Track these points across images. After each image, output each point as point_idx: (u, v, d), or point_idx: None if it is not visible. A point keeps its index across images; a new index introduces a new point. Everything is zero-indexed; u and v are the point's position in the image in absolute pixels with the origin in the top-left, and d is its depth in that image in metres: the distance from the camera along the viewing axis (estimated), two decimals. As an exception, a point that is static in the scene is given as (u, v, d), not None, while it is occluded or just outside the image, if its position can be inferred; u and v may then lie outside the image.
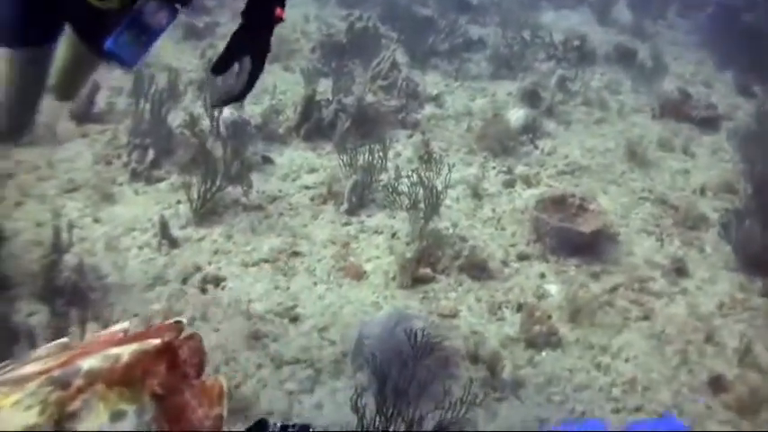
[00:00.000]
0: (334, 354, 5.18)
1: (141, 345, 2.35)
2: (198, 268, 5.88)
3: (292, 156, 7.71)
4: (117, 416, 2.15)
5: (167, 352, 2.35)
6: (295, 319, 5.48)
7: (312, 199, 6.96)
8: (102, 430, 2.09)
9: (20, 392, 2.02)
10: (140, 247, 6.08)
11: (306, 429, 2.66)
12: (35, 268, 5.49)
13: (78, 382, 2.15)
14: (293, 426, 2.60)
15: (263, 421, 2.55)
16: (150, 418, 2.22)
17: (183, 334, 2.44)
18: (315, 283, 5.88)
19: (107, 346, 2.33)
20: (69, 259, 5.58)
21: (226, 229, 6.40)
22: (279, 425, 2.57)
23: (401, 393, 4.30)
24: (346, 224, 6.64)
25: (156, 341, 2.33)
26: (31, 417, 1.94)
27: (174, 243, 6.14)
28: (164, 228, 6.14)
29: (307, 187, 7.15)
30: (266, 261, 6.06)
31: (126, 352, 2.29)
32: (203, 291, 5.69)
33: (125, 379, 2.26)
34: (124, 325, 2.56)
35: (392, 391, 4.31)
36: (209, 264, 5.98)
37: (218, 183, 6.57)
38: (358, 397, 4.26)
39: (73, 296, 5.33)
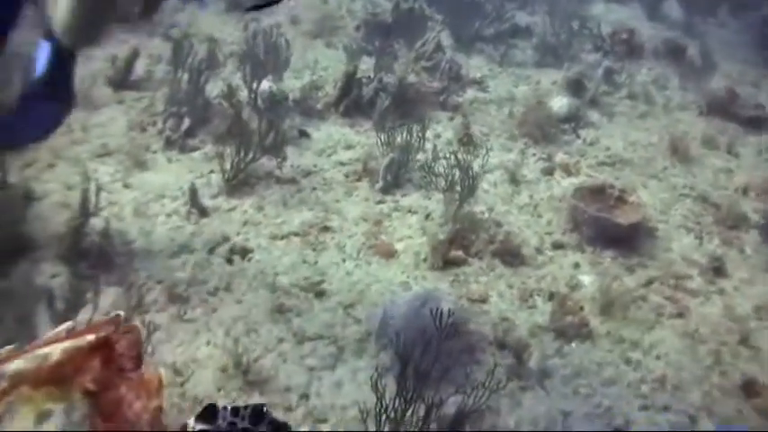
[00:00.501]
0: (358, 332, 5.09)
1: (74, 342, 2.34)
2: (226, 238, 5.82)
3: (330, 131, 7.65)
4: (44, 416, 2.12)
5: (102, 347, 2.43)
6: (321, 295, 5.40)
7: (347, 175, 6.89)
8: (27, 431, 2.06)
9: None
10: (169, 215, 6.03)
11: (258, 410, 2.60)
12: (62, 230, 5.45)
13: (2, 384, 2.12)
14: (245, 407, 2.54)
15: (212, 406, 2.50)
16: (81, 416, 2.19)
17: (123, 327, 2.42)
18: (343, 260, 5.80)
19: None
20: (97, 223, 5.54)
21: (257, 201, 6.33)
22: (230, 407, 2.51)
23: (423, 375, 4.21)
24: (380, 202, 6.56)
25: (91, 337, 2.39)
26: (-51, 423, 1.93)
27: (203, 212, 6.08)
28: (194, 196, 6.08)
29: (342, 163, 7.07)
30: (296, 235, 5.99)
31: (57, 350, 2.28)
32: (230, 261, 5.63)
33: (54, 378, 2.25)
34: (68, 324, 2.51)
35: (414, 372, 4.21)
36: (238, 234, 5.92)
37: (252, 154, 6.50)
38: (379, 377, 4.15)
39: (98, 260, 5.31)
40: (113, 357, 2.43)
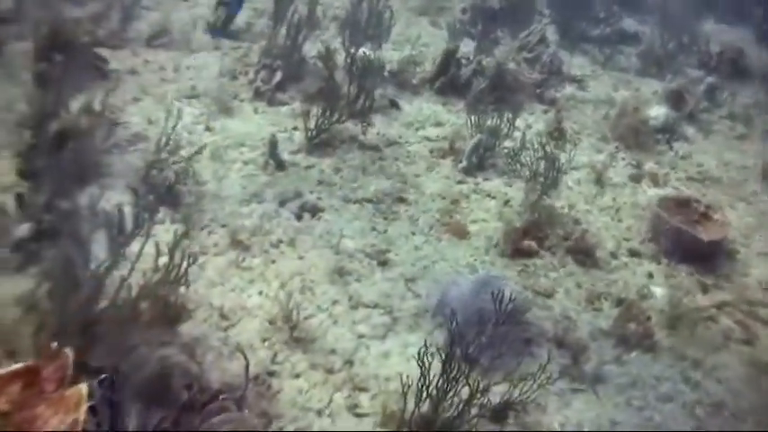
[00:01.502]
0: (416, 307, 5.01)
1: None
2: (298, 194, 5.79)
3: (421, 106, 7.61)
4: (-42, 436, 2.49)
5: (25, 374, 2.82)
6: (384, 264, 5.33)
7: (431, 151, 6.84)
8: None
9: None
10: (246, 163, 6.04)
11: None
12: (136, 162, 5.47)
13: None
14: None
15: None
16: None
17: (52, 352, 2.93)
18: (413, 233, 5.73)
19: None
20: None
21: (336, 162, 6.30)
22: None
23: (471, 359, 4.10)
24: (460, 182, 6.49)
25: (18, 366, 2.84)
26: None
27: (280, 165, 6.07)
28: (273, 148, 6.05)
29: (428, 139, 7.03)
30: (370, 201, 5.95)
31: (-22, 380, 2.69)
32: (298, 217, 5.61)
33: (-29, 402, 2.64)
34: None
35: (463, 354, 4.11)
36: (311, 192, 5.89)
37: (338, 116, 6.48)
38: (426, 354, 4.02)
39: (167, 195, 5.31)
40: (36, 381, 2.81)
